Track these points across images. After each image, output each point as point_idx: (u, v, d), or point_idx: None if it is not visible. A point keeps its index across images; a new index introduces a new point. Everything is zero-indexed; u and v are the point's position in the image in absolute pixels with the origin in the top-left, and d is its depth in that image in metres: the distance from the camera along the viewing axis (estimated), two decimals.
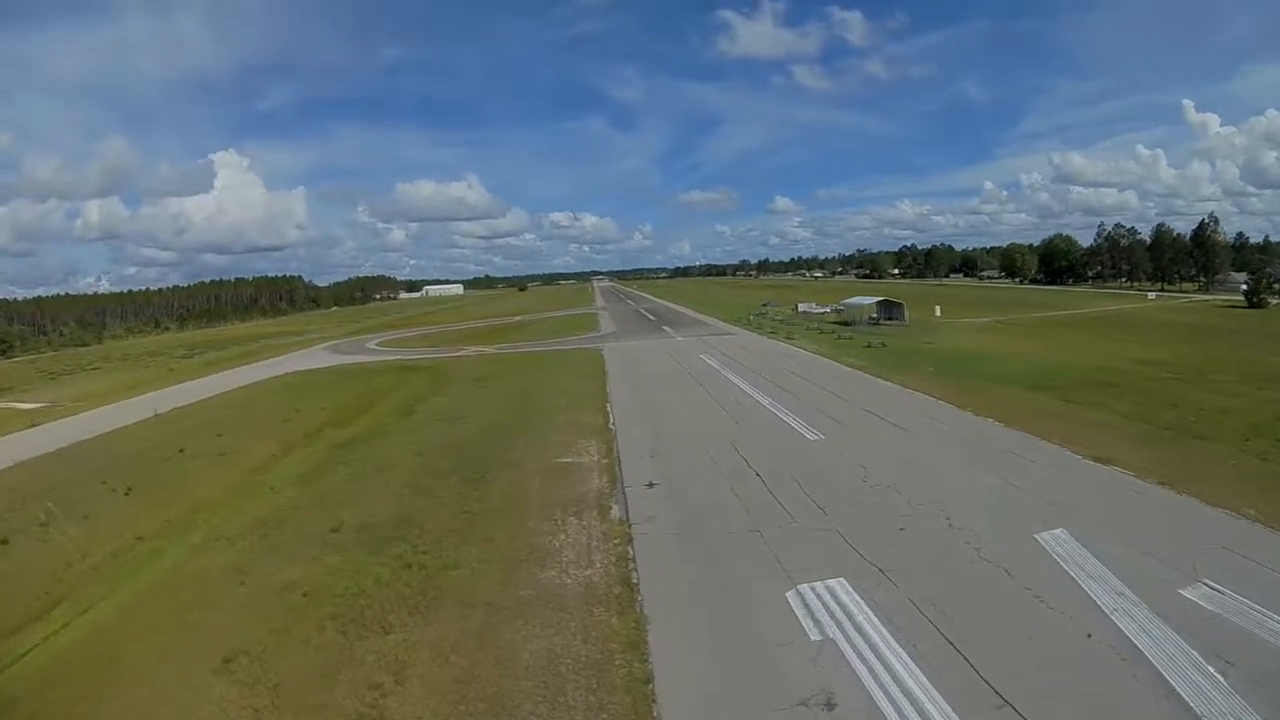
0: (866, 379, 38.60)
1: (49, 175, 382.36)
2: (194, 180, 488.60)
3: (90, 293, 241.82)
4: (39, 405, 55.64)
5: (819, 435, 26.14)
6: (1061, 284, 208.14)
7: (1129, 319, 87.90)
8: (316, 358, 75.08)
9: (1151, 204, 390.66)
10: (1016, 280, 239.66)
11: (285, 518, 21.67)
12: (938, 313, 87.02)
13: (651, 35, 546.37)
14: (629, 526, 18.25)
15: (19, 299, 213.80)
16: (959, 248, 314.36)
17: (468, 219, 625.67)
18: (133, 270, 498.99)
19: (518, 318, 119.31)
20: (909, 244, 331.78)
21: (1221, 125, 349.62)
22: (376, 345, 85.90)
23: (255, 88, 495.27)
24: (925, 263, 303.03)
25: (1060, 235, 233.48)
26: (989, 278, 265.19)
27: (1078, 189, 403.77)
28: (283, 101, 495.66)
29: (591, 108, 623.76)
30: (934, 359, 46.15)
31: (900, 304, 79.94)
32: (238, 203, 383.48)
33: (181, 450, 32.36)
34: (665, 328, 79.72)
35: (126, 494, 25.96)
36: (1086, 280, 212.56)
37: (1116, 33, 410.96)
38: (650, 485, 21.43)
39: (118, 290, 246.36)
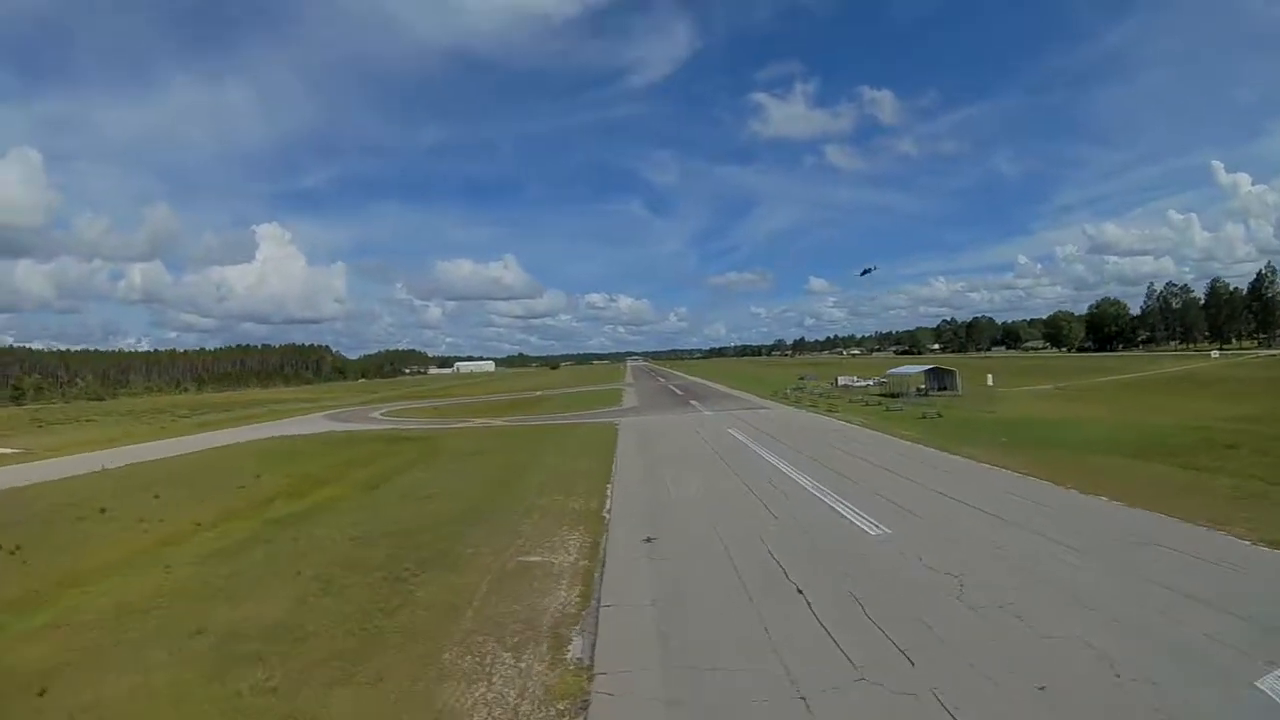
0: (930, 453, 31.56)
1: (95, 236, 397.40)
2: (236, 250, 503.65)
3: (116, 349, 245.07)
4: (8, 451, 55.19)
5: (883, 529, 18.97)
6: (1111, 350, 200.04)
7: (1201, 377, 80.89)
8: (314, 424, 71.45)
9: (1188, 269, 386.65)
10: (1063, 349, 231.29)
11: (156, 607, 16.41)
12: (990, 381, 79.54)
13: (687, 119, 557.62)
14: (589, 678, 11.28)
15: (47, 350, 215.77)
16: (999, 321, 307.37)
17: (504, 298, 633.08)
18: (173, 334, 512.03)
19: (540, 393, 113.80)
20: (948, 318, 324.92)
21: (1253, 184, 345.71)
22: (382, 415, 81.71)
23: (299, 163, 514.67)
24: (966, 336, 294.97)
25: (1109, 299, 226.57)
26: (1033, 349, 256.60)
27: (1113, 259, 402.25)
28: (325, 178, 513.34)
29: (627, 190, 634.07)
30: (1003, 428, 39.15)
31: (952, 372, 72.77)
32: (278, 274, 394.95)
33: (102, 510, 28.48)
34: (693, 402, 73.04)
35: (12, 553, 22.44)
36: (1137, 345, 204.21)
37: (1142, 100, 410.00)
38: (638, 606, 14.46)
39: (144, 349, 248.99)
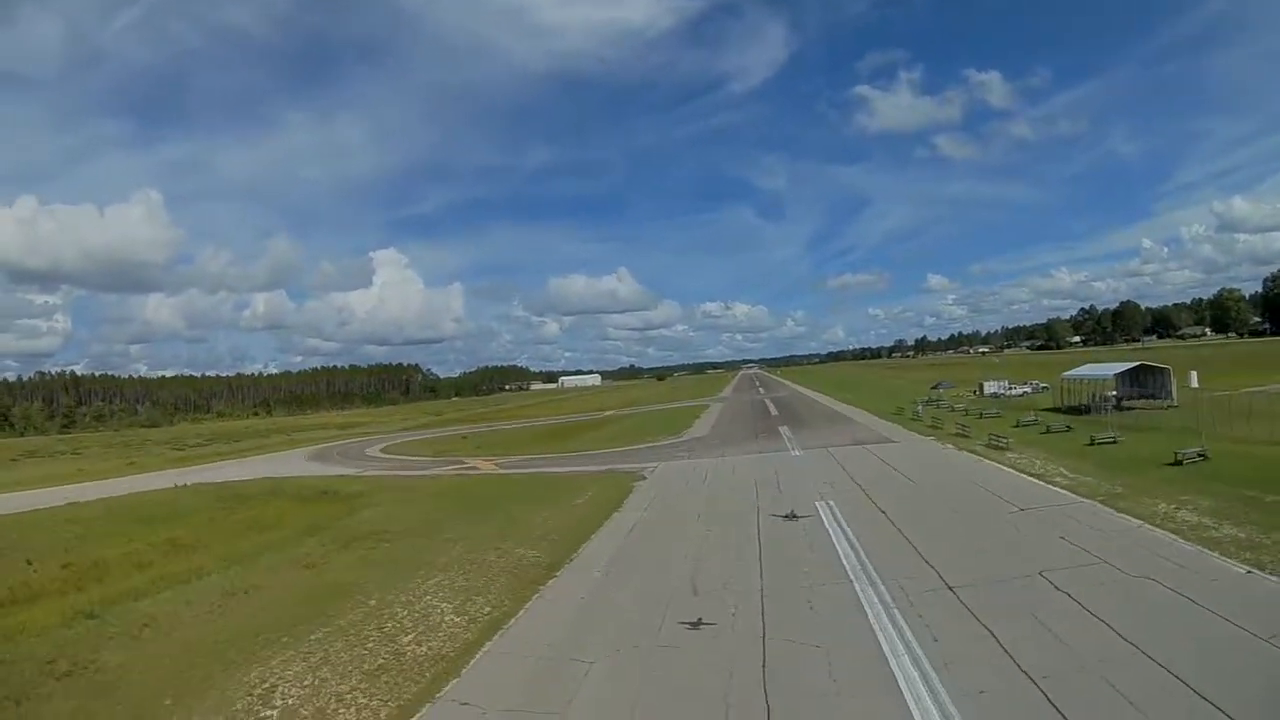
0: None
1: (219, 269, 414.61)
2: (356, 276, 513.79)
3: (201, 375, 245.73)
4: None
5: None
6: None
7: None
8: (279, 464, 59.50)
9: None
10: (1231, 335, 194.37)
11: None
12: (1194, 382, 54.86)
13: (791, 121, 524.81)
14: None
15: (128, 377, 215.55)
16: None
17: (619, 311, 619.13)
18: (298, 359, 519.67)
19: (609, 412, 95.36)
20: (1086, 306, 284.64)
21: None
22: (379, 451, 66.47)
23: (412, 190, 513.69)
24: (1112, 325, 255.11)
25: None
26: (1192, 335, 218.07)
27: (1243, 236, 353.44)
28: (439, 203, 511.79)
29: (737, 197, 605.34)
30: None
31: (1162, 371, 48.63)
32: (397, 297, 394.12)
33: None
34: (783, 428, 51.57)
35: None
36: None
37: (1261, 65, 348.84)
38: None
39: (229, 374, 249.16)
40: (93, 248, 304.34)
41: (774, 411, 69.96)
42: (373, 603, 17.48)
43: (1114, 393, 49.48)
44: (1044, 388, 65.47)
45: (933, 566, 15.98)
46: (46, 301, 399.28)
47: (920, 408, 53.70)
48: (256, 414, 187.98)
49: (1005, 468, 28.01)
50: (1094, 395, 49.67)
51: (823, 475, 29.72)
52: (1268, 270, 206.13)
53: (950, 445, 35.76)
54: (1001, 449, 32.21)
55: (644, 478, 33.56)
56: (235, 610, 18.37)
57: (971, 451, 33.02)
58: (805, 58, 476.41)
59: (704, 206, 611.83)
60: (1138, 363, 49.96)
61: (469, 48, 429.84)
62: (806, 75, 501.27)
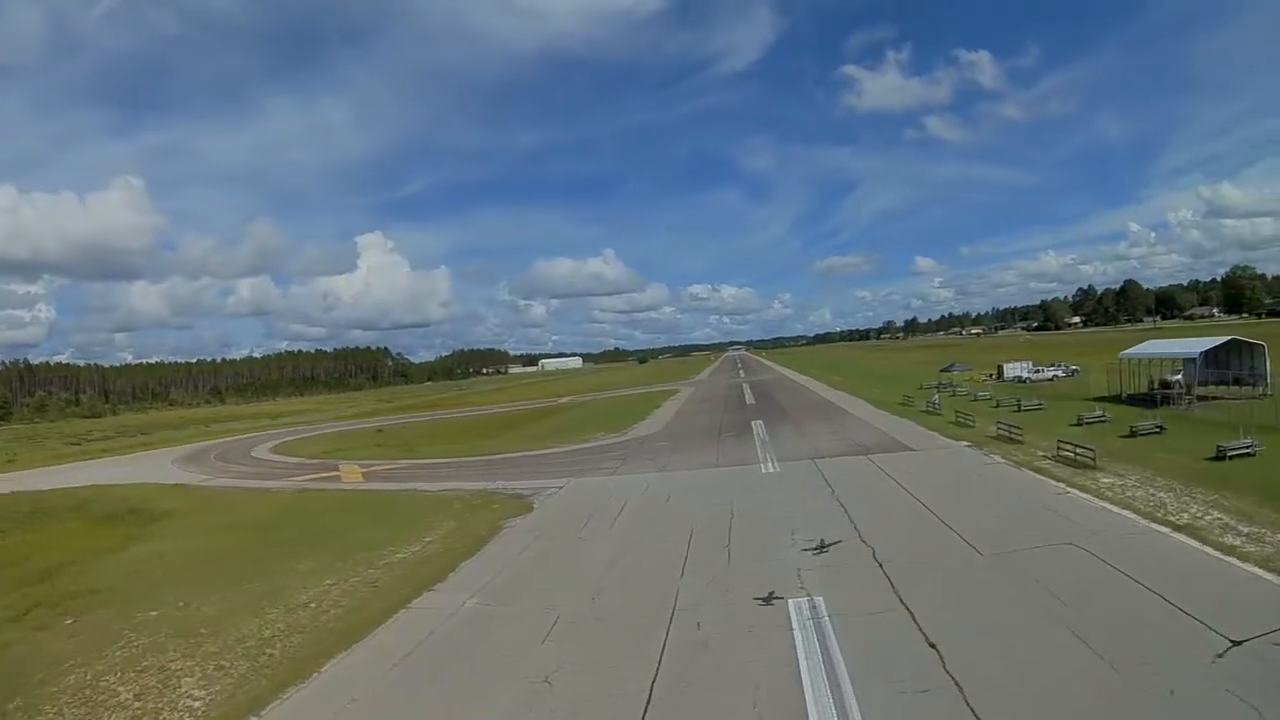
0: None
1: (202, 255, 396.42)
2: (340, 260, 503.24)
3: (157, 361, 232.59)
4: None
5: None
6: None
7: None
8: (137, 466, 51.28)
9: None
10: (1246, 315, 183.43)
11: None
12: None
13: (779, 102, 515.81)
14: None
15: (85, 365, 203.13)
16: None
17: (607, 294, 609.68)
18: (284, 344, 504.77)
19: (564, 399, 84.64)
20: (1085, 285, 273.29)
21: None
22: (267, 451, 56.74)
23: (398, 173, 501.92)
24: (1116, 305, 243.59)
25: None
26: (1201, 318, 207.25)
27: (1230, 222, 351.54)
28: (425, 185, 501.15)
29: (725, 179, 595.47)
30: None
31: (1257, 348, 37.36)
32: (383, 281, 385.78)
33: None
34: (757, 424, 39.67)
35: None
36: None
37: (1249, 50, 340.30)
38: None
39: (188, 360, 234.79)
40: (74, 236, 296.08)
41: (750, 400, 58.14)
42: None
43: (1178, 376, 38.24)
44: (1075, 370, 54.38)
45: None
46: (29, 291, 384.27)
47: (936, 397, 42.10)
48: (209, 402, 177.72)
49: (1117, 508, 16.34)
50: (1153, 381, 38.54)
51: (809, 521, 17.97)
52: (1254, 255, 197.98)
53: (998, 456, 24.11)
54: (1088, 466, 20.69)
55: (532, 508, 22.06)
56: None
57: (1035, 469, 21.37)
58: (792, 38, 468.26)
59: (692, 188, 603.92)
60: (1228, 337, 38.48)
61: (455, 29, 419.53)
62: (794, 55, 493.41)
